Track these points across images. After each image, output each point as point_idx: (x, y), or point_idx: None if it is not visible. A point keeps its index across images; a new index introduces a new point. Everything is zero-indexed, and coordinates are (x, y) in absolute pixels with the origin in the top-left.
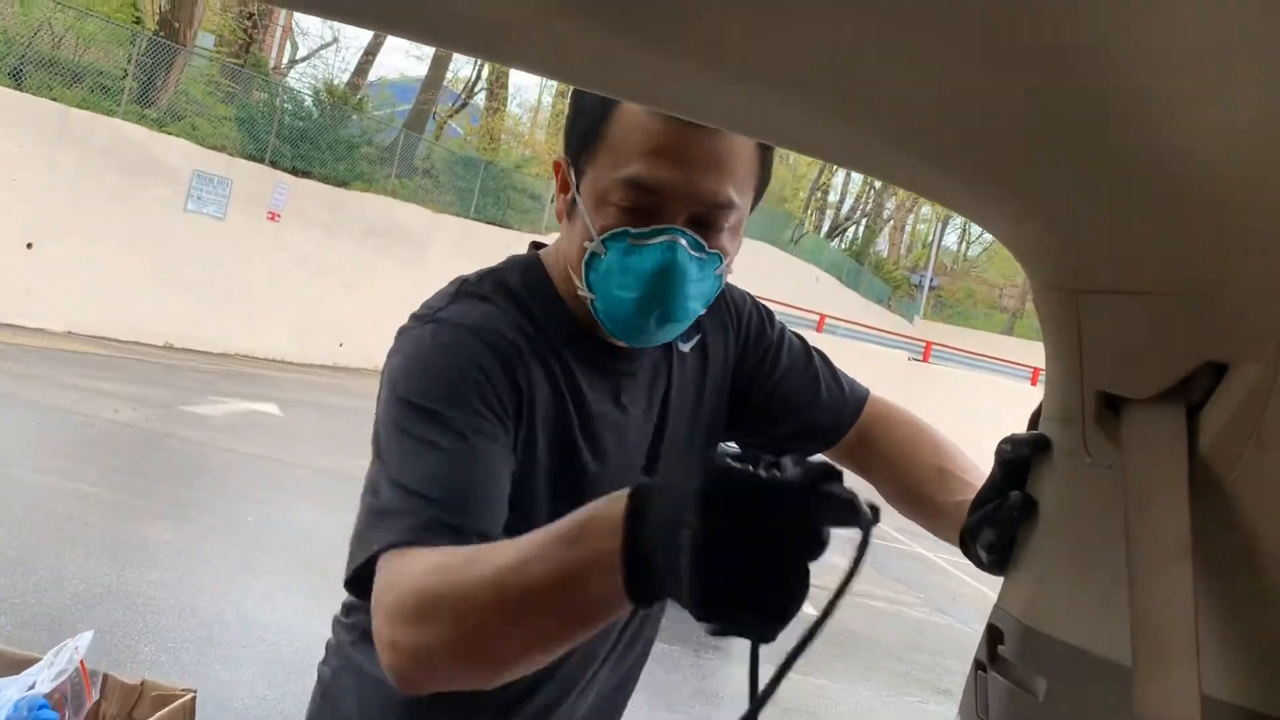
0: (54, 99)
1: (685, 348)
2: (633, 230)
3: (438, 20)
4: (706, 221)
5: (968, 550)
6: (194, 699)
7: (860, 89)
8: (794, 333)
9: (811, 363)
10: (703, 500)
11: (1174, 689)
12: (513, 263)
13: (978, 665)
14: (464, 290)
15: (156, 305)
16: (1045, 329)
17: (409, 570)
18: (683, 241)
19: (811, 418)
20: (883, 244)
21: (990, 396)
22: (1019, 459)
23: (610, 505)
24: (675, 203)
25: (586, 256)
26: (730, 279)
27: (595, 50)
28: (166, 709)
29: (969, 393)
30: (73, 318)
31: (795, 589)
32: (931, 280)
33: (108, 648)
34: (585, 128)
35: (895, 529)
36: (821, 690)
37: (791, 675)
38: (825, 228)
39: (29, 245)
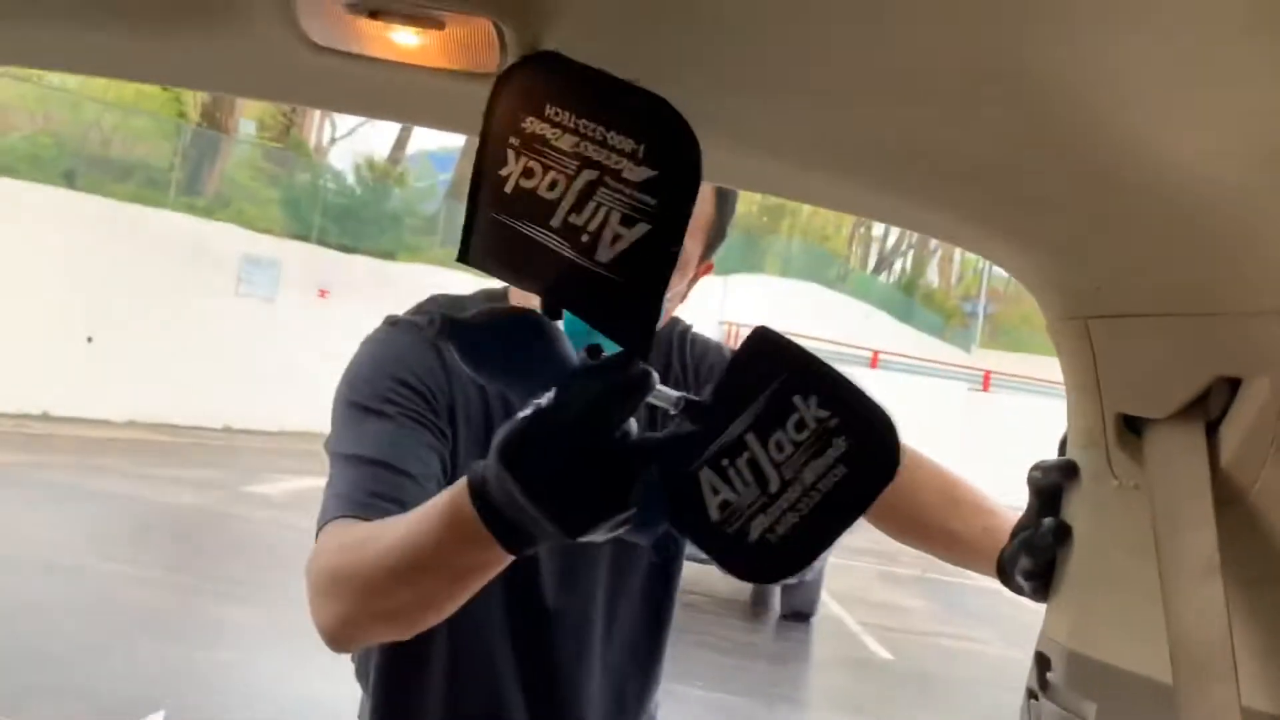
0: (106, 195)
1: None
2: None
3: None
4: None
5: (1007, 579)
6: None
7: (850, 140)
8: None
9: None
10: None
11: (1215, 704)
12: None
13: (1029, 694)
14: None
15: (213, 389)
16: (1061, 356)
17: (325, 548)
18: None
19: None
20: (932, 274)
21: (1056, 422)
22: (1050, 485)
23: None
24: None
25: None
26: (778, 320)
27: None
28: None
29: (1034, 420)
30: (133, 407)
31: (600, 471)
32: (985, 307)
33: None
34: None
35: None
36: None
37: None
38: (871, 263)
39: (89, 339)
